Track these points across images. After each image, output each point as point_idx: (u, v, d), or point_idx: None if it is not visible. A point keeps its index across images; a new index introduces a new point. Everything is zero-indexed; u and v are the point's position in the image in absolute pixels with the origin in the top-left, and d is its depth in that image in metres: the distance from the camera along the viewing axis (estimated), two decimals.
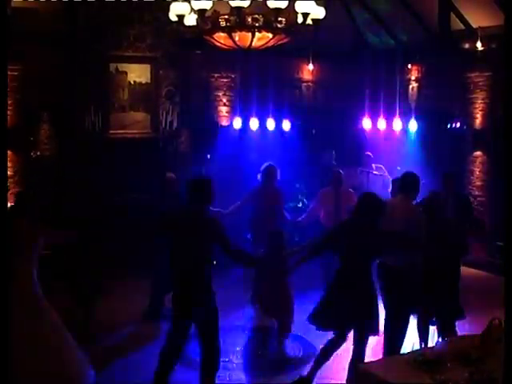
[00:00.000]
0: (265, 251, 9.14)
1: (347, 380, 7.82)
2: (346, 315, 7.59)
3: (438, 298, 8.52)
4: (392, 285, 8.32)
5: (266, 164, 11.64)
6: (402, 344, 8.29)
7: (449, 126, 15.50)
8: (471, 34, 14.14)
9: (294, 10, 8.15)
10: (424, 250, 8.34)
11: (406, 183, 8.80)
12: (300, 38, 8.87)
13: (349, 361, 7.89)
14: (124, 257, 12.15)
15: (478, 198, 14.67)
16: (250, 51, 8.85)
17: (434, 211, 8.70)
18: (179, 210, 7.84)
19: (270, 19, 8.14)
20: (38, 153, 13.44)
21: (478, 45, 13.87)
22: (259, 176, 11.63)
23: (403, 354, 5.96)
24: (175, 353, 7.54)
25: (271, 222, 11.24)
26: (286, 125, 15.40)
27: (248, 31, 8.24)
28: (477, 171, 14.89)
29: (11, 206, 8.10)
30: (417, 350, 5.80)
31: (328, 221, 11.60)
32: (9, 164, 12.28)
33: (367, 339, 7.85)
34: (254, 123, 15.08)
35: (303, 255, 8.10)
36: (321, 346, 8.19)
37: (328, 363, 8.72)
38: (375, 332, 7.88)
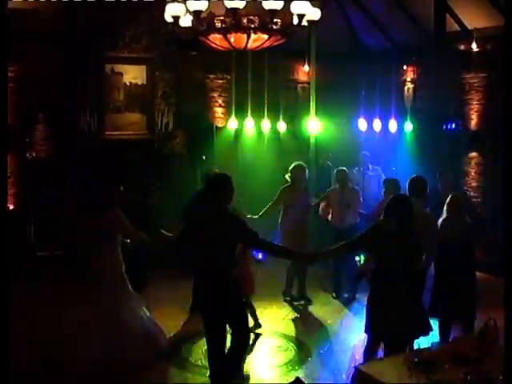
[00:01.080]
0: None
1: None
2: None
3: (460, 298, 8.54)
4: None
5: (294, 163, 11.73)
6: None
7: (444, 127, 15.50)
8: (467, 35, 14.17)
9: (290, 12, 8.14)
10: (448, 251, 8.53)
11: (414, 188, 8.93)
12: (296, 39, 8.86)
13: None
14: None
15: (474, 199, 14.67)
16: (245, 52, 8.85)
17: (458, 212, 8.73)
18: (203, 212, 7.60)
19: (265, 20, 8.13)
20: (34, 154, 13.44)
21: (474, 46, 13.90)
22: (288, 176, 11.73)
23: (400, 355, 5.96)
24: (219, 353, 7.53)
25: (302, 222, 11.53)
26: (282, 126, 15.41)
27: (243, 32, 8.23)
28: (472, 172, 14.90)
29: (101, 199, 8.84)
30: (413, 351, 5.80)
31: (336, 219, 11.90)
32: None
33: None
34: (249, 124, 15.10)
35: (337, 248, 7.90)
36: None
37: (328, 365, 8.82)
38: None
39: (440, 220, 8.83)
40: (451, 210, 8.75)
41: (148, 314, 9.05)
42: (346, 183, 12.04)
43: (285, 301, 11.83)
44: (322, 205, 12.23)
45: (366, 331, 7.60)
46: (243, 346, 7.67)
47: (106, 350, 8.28)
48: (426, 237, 8.15)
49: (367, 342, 7.69)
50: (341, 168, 12.31)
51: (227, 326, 7.49)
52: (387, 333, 7.28)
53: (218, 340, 7.46)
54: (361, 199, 12.24)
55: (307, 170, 11.79)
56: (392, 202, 7.54)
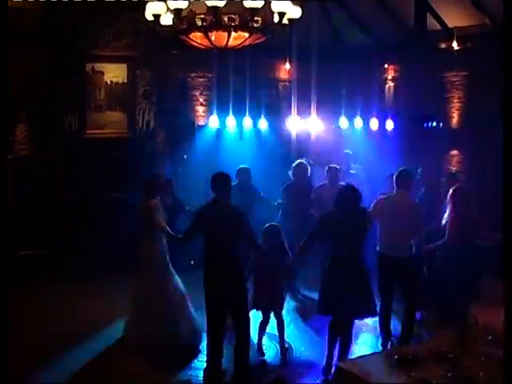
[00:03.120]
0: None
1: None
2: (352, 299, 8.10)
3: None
4: (391, 273, 9.04)
5: (297, 161, 12.36)
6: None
7: (425, 126, 15.56)
8: (447, 33, 14.21)
9: (270, 10, 8.15)
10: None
11: (403, 180, 9.29)
12: (276, 38, 8.87)
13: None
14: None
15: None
16: (226, 51, 8.86)
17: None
18: (212, 205, 8.25)
19: (246, 19, 8.13)
20: (15, 153, 13.39)
21: (454, 44, 13.94)
22: (291, 173, 12.33)
23: (380, 352, 5.98)
24: (219, 340, 8.24)
25: (305, 218, 11.78)
26: (263, 124, 15.41)
27: (224, 31, 8.23)
28: (453, 170, 14.94)
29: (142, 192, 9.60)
30: (393, 348, 5.82)
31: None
32: None
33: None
34: (231, 123, 15.09)
35: (300, 247, 8.61)
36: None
37: (310, 363, 8.85)
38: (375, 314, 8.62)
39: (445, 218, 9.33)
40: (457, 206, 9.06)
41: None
42: (336, 180, 12.25)
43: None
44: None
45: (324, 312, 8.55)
46: (247, 339, 8.34)
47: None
48: (413, 225, 8.99)
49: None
50: (333, 165, 12.59)
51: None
52: (345, 310, 8.21)
53: (218, 329, 8.21)
54: None
55: (309, 168, 12.34)
56: (341, 191, 8.60)
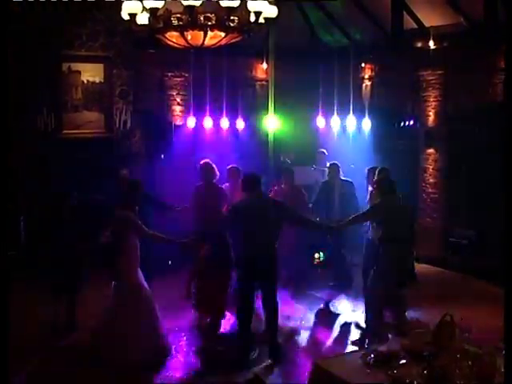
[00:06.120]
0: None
1: None
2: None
3: None
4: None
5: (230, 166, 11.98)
6: None
7: (402, 124, 15.63)
8: (424, 33, 14.27)
9: (247, 9, 8.15)
10: None
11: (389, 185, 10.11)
12: (254, 37, 8.87)
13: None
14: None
15: (432, 195, 14.80)
16: (202, 50, 8.85)
17: None
18: (252, 199, 9.09)
19: (222, 18, 8.13)
20: None
21: (431, 43, 14.02)
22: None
23: (356, 351, 5.99)
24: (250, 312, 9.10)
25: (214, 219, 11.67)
26: (240, 124, 15.41)
27: (200, 30, 8.22)
28: (430, 168, 15.01)
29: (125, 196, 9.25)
30: (369, 347, 5.83)
31: None
32: None
33: None
34: (207, 122, 15.06)
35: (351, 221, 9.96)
36: None
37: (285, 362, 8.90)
38: None
39: None
40: None
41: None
42: (237, 180, 11.56)
43: None
44: None
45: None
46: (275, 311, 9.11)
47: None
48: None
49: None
50: (233, 166, 12.44)
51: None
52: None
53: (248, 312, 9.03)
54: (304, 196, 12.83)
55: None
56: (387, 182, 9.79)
